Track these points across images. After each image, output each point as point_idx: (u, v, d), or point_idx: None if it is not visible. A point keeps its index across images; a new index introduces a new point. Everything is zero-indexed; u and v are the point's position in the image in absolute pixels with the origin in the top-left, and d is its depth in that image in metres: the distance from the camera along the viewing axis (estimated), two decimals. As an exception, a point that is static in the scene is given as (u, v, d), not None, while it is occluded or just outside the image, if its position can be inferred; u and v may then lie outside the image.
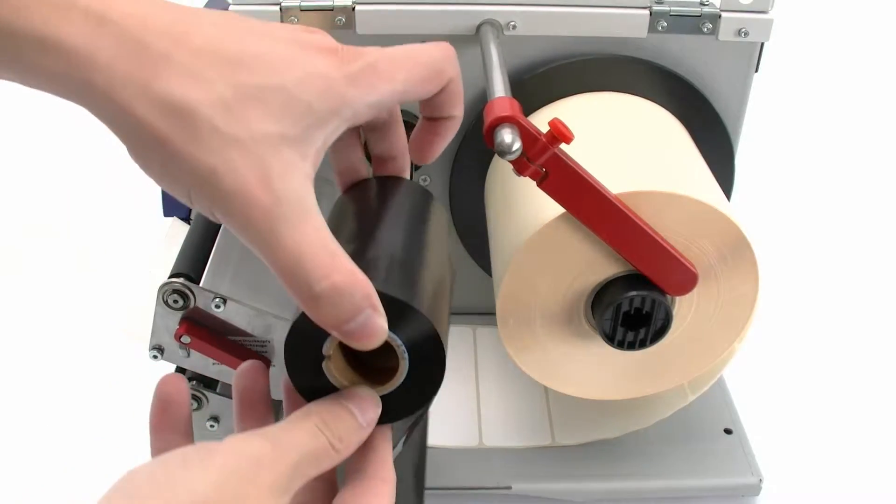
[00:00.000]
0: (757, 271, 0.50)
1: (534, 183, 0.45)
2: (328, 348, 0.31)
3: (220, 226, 0.53)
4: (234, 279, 0.49)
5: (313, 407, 0.31)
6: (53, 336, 0.74)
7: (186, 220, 0.62)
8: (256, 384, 0.35)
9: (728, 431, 0.63)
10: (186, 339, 0.49)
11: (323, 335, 0.31)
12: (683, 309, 0.51)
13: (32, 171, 0.99)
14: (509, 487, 0.58)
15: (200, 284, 0.48)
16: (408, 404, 0.33)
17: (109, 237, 0.87)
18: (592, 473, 0.59)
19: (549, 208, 0.47)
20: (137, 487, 0.26)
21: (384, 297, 0.30)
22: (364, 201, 0.38)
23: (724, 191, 0.56)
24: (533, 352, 0.53)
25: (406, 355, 0.32)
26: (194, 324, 0.49)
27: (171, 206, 0.62)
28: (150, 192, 0.62)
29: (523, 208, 0.51)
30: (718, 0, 0.57)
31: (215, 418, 0.54)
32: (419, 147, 0.38)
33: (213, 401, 0.53)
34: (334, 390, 0.32)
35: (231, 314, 0.48)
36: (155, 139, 0.27)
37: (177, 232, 0.58)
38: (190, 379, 0.53)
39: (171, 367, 0.56)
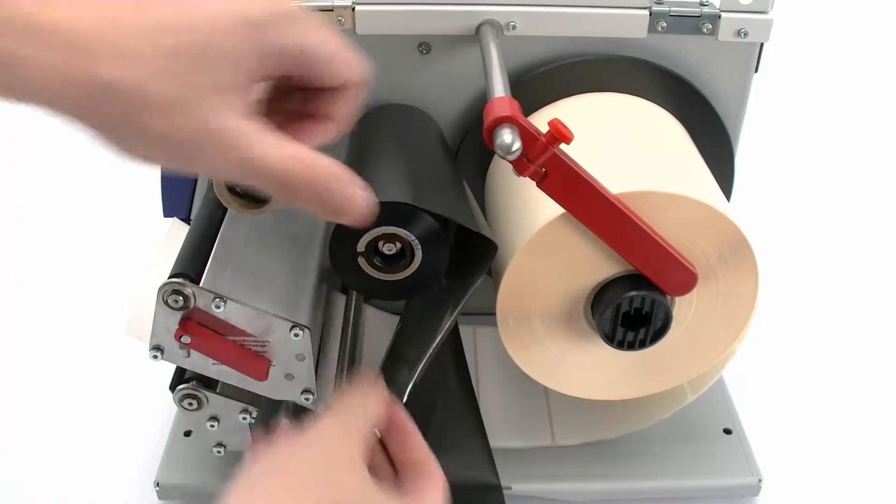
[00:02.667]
0: (756, 271, 0.50)
1: (534, 183, 0.45)
2: (361, 246, 0.43)
3: (220, 226, 0.53)
4: (234, 279, 0.49)
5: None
6: (54, 336, 0.74)
7: (186, 220, 0.62)
8: None
9: (728, 431, 0.63)
10: (186, 339, 0.48)
11: (355, 237, 0.43)
12: (683, 309, 0.51)
13: (33, 172, 0.99)
14: (509, 487, 0.58)
15: (200, 284, 0.48)
16: (425, 282, 0.46)
17: (110, 237, 0.87)
18: (592, 473, 0.59)
19: (549, 208, 0.47)
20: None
21: (393, 204, 0.41)
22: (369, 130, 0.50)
23: (723, 191, 0.56)
24: (533, 351, 0.53)
25: (419, 246, 0.44)
26: (194, 324, 0.49)
27: (171, 207, 0.62)
28: (151, 192, 0.62)
29: (523, 208, 0.51)
30: (718, 0, 0.57)
31: (215, 418, 0.54)
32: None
33: (213, 401, 0.53)
34: (370, 280, 0.46)
35: (231, 314, 0.48)
36: (104, 123, 0.30)
37: (177, 232, 0.58)
38: (189, 379, 0.53)
39: (172, 367, 0.56)
